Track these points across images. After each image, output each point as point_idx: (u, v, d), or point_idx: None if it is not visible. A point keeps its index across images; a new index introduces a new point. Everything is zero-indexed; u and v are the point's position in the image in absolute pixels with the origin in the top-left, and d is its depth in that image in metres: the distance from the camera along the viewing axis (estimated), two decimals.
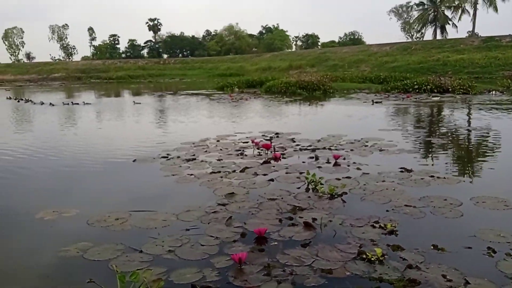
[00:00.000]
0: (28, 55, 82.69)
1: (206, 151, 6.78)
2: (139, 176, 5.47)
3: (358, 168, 5.37)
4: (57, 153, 7.16)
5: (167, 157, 6.36)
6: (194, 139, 7.83)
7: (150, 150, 6.94)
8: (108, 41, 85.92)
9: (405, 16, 67.02)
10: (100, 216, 3.86)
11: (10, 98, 21.20)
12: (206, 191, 4.61)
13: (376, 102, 13.87)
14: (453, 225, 3.49)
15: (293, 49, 77.28)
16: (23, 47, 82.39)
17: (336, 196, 4.24)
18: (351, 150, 6.53)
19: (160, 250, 3.09)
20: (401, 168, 5.29)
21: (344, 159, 5.91)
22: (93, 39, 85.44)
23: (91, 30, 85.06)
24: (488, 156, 6.29)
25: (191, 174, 5.32)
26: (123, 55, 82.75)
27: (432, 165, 5.72)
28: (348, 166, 5.52)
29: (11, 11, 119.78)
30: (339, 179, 4.86)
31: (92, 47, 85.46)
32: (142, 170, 5.77)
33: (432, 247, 3.01)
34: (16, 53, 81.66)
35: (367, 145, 6.85)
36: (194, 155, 6.48)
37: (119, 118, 12.62)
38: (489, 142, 7.32)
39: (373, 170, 5.26)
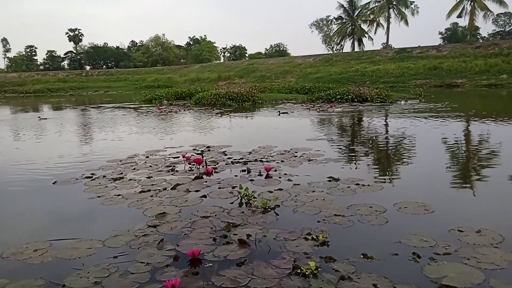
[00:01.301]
0: None
1: (134, 168, 6.51)
2: (60, 200, 5.08)
3: (289, 180, 5.47)
4: None
5: (92, 177, 6.00)
6: (121, 156, 7.49)
7: (73, 170, 6.50)
8: (24, 53, 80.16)
9: (326, 29, 70.64)
10: (16, 248, 3.50)
11: None
12: (135, 213, 4.40)
13: (283, 113, 14.41)
14: (379, 232, 3.66)
15: (221, 60, 77.81)
16: None
17: (269, 209, 4.27)
18: (282, 161, 6.64)
19: (85, 282, 2.86)
20: (329, 177, 5.47)
21: (276, 170, 5.99)
22: (7, 50, 79.35)
23: (5, 41, 78.92)
24: (407, 161, 6.74)
25: (119, 195, 5.05)
26: (41, 67, 77.62)
27: (356, 171, 5.99)
28: (280, 177, 5.60)
29: None
30: (271, 192, 4.90)
31: (6, 59, 79.22)
32: (64, 193, 5.36)
33: (362, 256, 3.12)
34: None
35: (296, 156, 7.01)
36: (121, 173, 6.18)
37: (36, 136, 11.70)
38: (406, 147, 7.86)
39: (303, 180, 5.38)
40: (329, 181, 5.33)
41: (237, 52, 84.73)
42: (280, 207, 4.36)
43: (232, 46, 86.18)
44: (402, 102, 16.91)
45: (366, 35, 54.73)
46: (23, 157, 8.01)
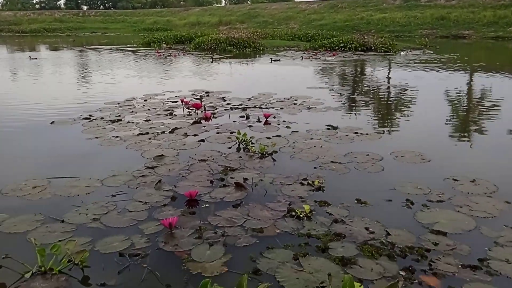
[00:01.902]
0: None
1: (132, 111, 6.47)
2: (58, 140, 5.09)
3: (287, 127, 5.45)
4: None
5: (90, 118, 5.98)
6: (119, 98, 7.43)
7: (70, 111, 6.47)
8: None
9: None
10: (15, 184, 3.55)
11: None
12: (134, 154, 4.42)
13: (275, 60, 14.14)
14: (375, 179, 3.70)
15: (223, 4, 75.19)
16: None
17: (266, 155, 4.29)
18: (281, 108, 6.60)
19: (84, 218, 2.92)
20: (327, 125, 5.46)
21: (274, 117, 5.96)
22: None
23: None
24: (407, 111, 6.70)
25: (117, 136, 5.06)
26: (37, 6, 75.09)
27: (355, 120, 5.97)
28: (278, 124, 5.58)
29: None
30: (269, 138, 4.91)
31: None
32: (62, 133, 5.37)
33: (356, 201, 3.17)
34: None
35: (296, 103, 6.95)
36: (119, 115, 6.16)
37: (33, 77, 11.53)
38: (408, 98, 7.79)
39: (302, 128, 5.38)
40: (328, 129, 5.32)
41: None
42: (278, 153, 4.38)
43: None
44: (402, 53, 16.47)
45: None
46: (20, 98, 7.95)
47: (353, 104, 7.21)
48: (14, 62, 15.12)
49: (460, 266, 2.32)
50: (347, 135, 5.03)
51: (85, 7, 74.32)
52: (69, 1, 78.03)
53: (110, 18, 53.92)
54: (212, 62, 14.07)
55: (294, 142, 4.74)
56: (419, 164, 4.05)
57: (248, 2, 74.13)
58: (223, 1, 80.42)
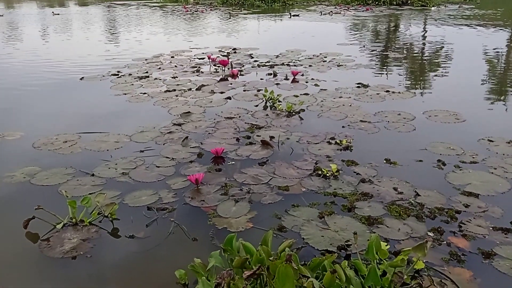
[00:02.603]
0: None
1: (159, 68, 6.46)
2: (88, 96, 5.15)
3: (316, 85, 5.32)
4: (2, 71, 6.60)
5: (118, 74, 6.01)
6: (146, 55, 7.41)
7: (99, 67, 6.51)
8: None
9: None
10: (47, 139, 3.65)
11: None
12: (161, 111, 4.44)
13: (294, 15, 13.70)
14: (405, 139, 3.59)
15: None
16: None
17: (294, 113, 4.21)
18: (310, 65, 6.42)
19: (113, 173, 2.98)
20: (357, 83, 5.29)
21: (303, 75, 5.82)
22: None
23: None
24: (442, 70, 6.39)
25: (144, 93, 5.08)
26: None
27: (387, 78, 5.75)
28: (306, 82, 5.45)
29: None
30: (297, 96, 4.81)
31: None
32: (91, 89, 5.43)
33: (384, 161, 3.09)
34: None
35: (325, 61, 6.75)
36: (147, 72, 6.16)
37: (66, 31, 11.61)
38: (443, 56, 7.42)
39: (331, 86, 5.23)
40: (358, 87, 5.16)
41: None
42: (305, 111, 4.30)
43: None
44: (439, 8, 15.50)
45: None
46: (49, 55, 8.04)
47: (385, 62, 6.93)
48: (40, 18, 15.22)
49: (491, 228, 2.25)
50: (378, 94, 4.87)
51: None
52: None
53: None
54: (230, 18, 13.70)
55: (322, 101, 4.63)
56: (452, 124, 3.89)
57: None
58: None
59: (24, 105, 4.87)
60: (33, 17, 15.89)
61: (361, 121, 3.98)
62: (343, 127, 3.85)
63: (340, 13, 14.39)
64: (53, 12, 16.30)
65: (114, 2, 23.18)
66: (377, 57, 7.22)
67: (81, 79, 5.78)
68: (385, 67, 6.57)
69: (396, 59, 7.05)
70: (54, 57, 7.68)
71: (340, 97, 4.76)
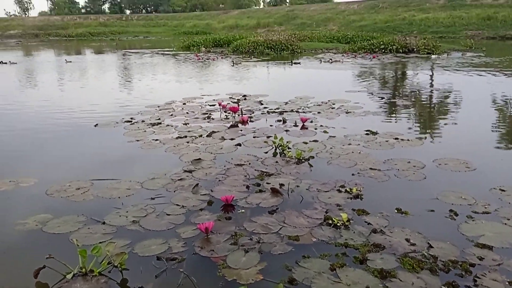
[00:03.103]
0: None
1: (171, 114, 6.61)
2: (101, 142, 5.27)
3: (325, 131, 5.38)
4: (13, 116, 6.81)
5: (131, 121, 6.16)
6: (159, 101, 7.60)
7: (113, 114, 6.68)
8: None
9: None
10: (60, 185, 3.70)
11: None
12: (172, 157, 4.50)
13: (295, 63, 14.12)
14: (416, 188, 3.57)
15: (261, 6, 75.57)
16: None
17: (303, 160, 4.24)
18: (318, 112, 6.52)
19: (124, 221, 3.00)
20: (366, 130, 5.34)
21: (312, 122, 5.90)
22: None
23: None
24: (451, 117, 6.44)
25: (156, 139, 5.17)
26: (83, 11, 78.49)
27: (396, 125, 5.80)
28: (315, 129, 5.52)
29: None
30: (306, 143, 4.86)
31: (49, 1, 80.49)
32: (105, 136, 5.55)
33: (396, 211, 3.07)
34: None
35: (333, 107, 6.86)
36: (159, 119, 6.30)
37: (81, 77, 12.03)
38: (452, 103, 7.50)
39: (340, 133, 5.29)
40: (367, 134, 5.21)
41: None
42: (315, 158, 4.33)
43: None
44: (433, 56, 15.72)
45: None
46: (66, 101, 8.30)
47: (394, 109, 7.02)
48: (55, 66, 15.82)
49: (507, 283, 2.19)
50: (387, 141, 4.90)
51: (128, 12, 76.95)
52: (113, 5, 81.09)
53: (151, 22, 55.49)
54: (233, 65, 14.09)
55: (331, 148, 4.66)
56: (463, 172, 3.88)
57: (287, 4, 74.11)
58: (262, 3, 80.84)
59: (38, 150, 4.98)
60: (49, 64, 16.53)
61: (370, 168, 3.98)
62: (353, 174, 3.86)
63: (339, 60, 14.74)
64: (65, 60, 16.99)
65: (129, 50, 24.10)
66: (385, 104, 7.32)
67: (95, 125, 5.93)
68: (393, 114, 6.65)
69: (405, 106, 7.14)
70: (68, 103, 7.92)
71: (349, 144, 4.80)
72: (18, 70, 14.14)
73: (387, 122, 6.10)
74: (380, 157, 4.30)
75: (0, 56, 19.51)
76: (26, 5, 79.47)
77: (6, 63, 16.03)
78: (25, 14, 77.37)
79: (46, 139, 5.49)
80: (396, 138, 4.99)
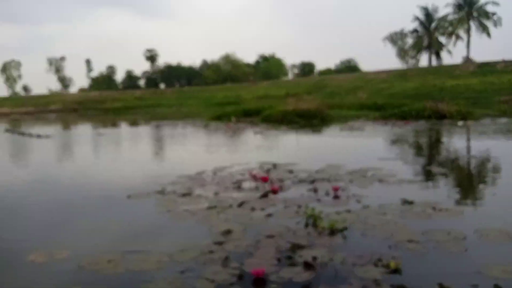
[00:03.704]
0: (25, 88, 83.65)
1: (202, 184, 6.67)
2: (134, 213, 5.32)
3: (358, 201, 5.25)
4: (47, 188, 7.06)
5: (163, 191, 6.24)
6: (190, 171, 7.72)
7: (145, 184, 6.81)
8: (105, 72, 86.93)
9: (400, 43, 68.35)
10: (92, 258, 3.70)
11: (7, 130, 21.29)
12: (202, 228, 4.47)
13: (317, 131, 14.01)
14: (457, 261, 3.37)
15: (290, 77, 78.39)
16: (20, 80, 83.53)
17: (336, 231, 4.11)
18: (350, 181, 6.42)
19: None
20: (402, 199, 5.17)
21: (344, 191, 5.79)
22: (90, 70, 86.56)
23: (88, 62, 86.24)
24: (490, 184, 6.19)
25: (187, 210, 5.18)
26: (120, 86, 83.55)
27: (433, 194, 5.60)
28: (348, 198, 5.40)
29: (9, 44, 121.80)
30: (339, 213, 4.73)
31: (89, 78, 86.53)
32: (136, 206, 5.62)
33: (438, 286, 2.87)
34: (14, 86, 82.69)
35: (366, 176, 6.74)
36: (190, 189, 6.35)
37: (115, 149, 12.52)
38: (490, 170, 7.24)
39: (374, 202, 5.14)
40: (402, 204, 5.04)
41: (306, 68, 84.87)
42: (348, 229, 4.19)
43: (300, 62, 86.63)
44: (460, 123, 15.18)
45: (444, 48, 52.03)
46: (98, 173, 8.58)
47: (430, 177, 6.83)
48: (90, 138, 16.60)
49: None
50: (424, 211, 4.71)
51: (162, 86, 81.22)
52: (148, 80, 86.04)
53: (184, 94, 58.14)
54: (256, 135, 14.32)
55: (365, 218, 4.52)
56: (506, 244, 3.64)
57: (315, 74, 76.61)
58: (290, 75, 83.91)
59: (71, 222, 5.08)
60: (82, 137, 17.37)
61: (408, 240, 3.80)
62: (389, 247, 3.68)
63: (370, 128, 14.74)
64: (98, 132, 17.84)
65: (162, 122, 25.13)
66: (420, 172, 7.15)
67: (128, 197, 6.04)
68: (430, 183, 6.46)
69: (441, 174, 6.93)
70: (100, 175, 8.19)
71: (384, 214, 4.64)
72: (52, 144, 14.90)
73: (424, 190, 5.91)
74: (417, 228, 4.12)
75: (39, 130, 20.75)
76: (67, 83, 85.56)
77: (42, 136, 16.97)
78: (66, 90, 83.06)
79: (79, 210, 5.61)
80: (434, 208, 4.80)
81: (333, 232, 4.10)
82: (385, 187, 6.00)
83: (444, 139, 11.94)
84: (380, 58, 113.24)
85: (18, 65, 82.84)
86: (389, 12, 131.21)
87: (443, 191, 5.85)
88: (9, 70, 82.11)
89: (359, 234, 4.06)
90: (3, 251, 4.11)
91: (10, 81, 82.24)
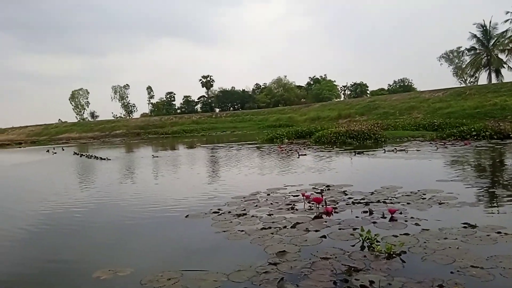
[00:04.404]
0: (92, 114, 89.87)
1: (256, 205, 6.75)
2: (192, 233, 5.50)
3: (416, 224, 5.08)
4: (112, 207, 7.48)
5: (218, 212, 6.40)
6: (244, 192, 7.85)
7: (202, 205, 7.02)
8: (165, 98, 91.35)
9: (457, 61, 65.84)
10: (153, 275, 3.88)
11: (75, 153, 22.86)
12: (257, 249, 4.53)
13: (359, 152, 13.47)
14: None
15: (342, 99, 77.63)
16: (88, 107, 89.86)
17: (394, 255, 4.00)
18: (408, 203, 6.22)
19: None
20: (464, 223, 4.94)
21: (401, 213, 5.63)
22: (151, 97, 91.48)
23: (149, 88, 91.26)
24: None
25: (242, 230, 5.28)
26: (178, 111, 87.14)
27: (498, 218, 5.29)
28: (406, 221, 5.24)
29: (78, 74, 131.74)
30: (396, 236, 4.61)
31: (150, 104, 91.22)
32: (194, 226, 5.81)
33: None
34: (82, 113, 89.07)
35: (424, 198, 6.51)
36: (244, 209, 6.47)
37: (173, 171, 13.00)
38: None
39: (433, 225, 4.95)
40: (464, 227, 4.81)
41: (358, 89, 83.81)
42: (407, 253, 4.06)
43: (352, 83, 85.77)
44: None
45: (504, 65, 49.35)
46: (157, 193, 8.95)
47: (494, 199, 6.46)
48: (152, 161, 17.32)
49: None
50: (488, 235, 4.46)
51: (217, 110, 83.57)
52: (204, 105, 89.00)
53: (238, 118, 59.39)
54: (299, 157, 14.17)
55: (425, 242, 4.36)
56: None
57: (368, 94, 75.32)
58: (342, 96, 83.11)
59: (133, 240, 5.34)
60: (143, 160, 18.13)
61: (472, 266, 3.62)
62: (451, 272, 3.53)
63: (427, 149, 14.16)
64: (152, 155, 18.62)
65: (217, 144, 25.77)
66: (483, 194, 6.78)
67: (186, 216, 6.25)
68: (494, 205, 6.11)
69: (506, 196, 6.54)
70: (159, 195, 8.53)
71: (445, 239, 4.45)
72: (114, 165, 15.73)
73: (487, 214, 5.60)
74: (481, 253, 3.91)
75: (103, 153, 22.03)
76: (130, 108, 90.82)
77: (104, 159, 18.01)
78: (129, 116, 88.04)
79: (139, 229, 5.88)
80: (499, 232, 4.53)
81: (390, 256, 4.00)
82: (445, 210, 5.76)
83: (509, 160, 11.22)
84: (434, 78, 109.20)
85: (86, 93, 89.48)
86: (443, 31, 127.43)
87: (509, 214, 5.50)
88: (78, 98, 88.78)
89: (418, 259, 3.92)
90: (70, 269, 4.41)
91: (79, 108, 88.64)
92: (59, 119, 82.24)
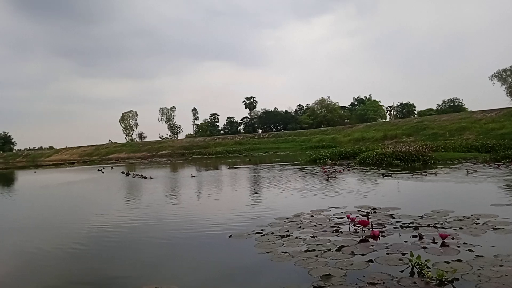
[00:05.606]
0: (140, 135, 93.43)
1: (300, 227, 6.68)
2: (235, 253, 5.54)
3: (470, 250, 4.83)
4: (158, 225, 7.68)
5: (262, 232, 6.38)
6: (287, 214, 7.80)
7: (245, 225, 7.05)
8: (209, 120, 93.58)
9: (510, 80, 62.85)
10: None
11: (123, 172, 23.78)
12: (301, 271, 4.47)
13: (387, 175, 12.75)
14: None
15: (387, 119, 75.89)
16: (136, 128, 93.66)
17: (446, 282, 3.82)
18: (460, 228, 5.93)
19: None
20: None
21: (453, 238, 5.37)
22: (196, 118, 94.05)
23: (194, 110, 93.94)
24: None
25: (285, 252, 5.23)
26: (222, 132, 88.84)
27: None
28: (458, 247, 4.99)
29: (128, 97, 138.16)
30: (448, 262, 4.40)
31: (195, 125, 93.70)
32: (237, 246, 5.84)
33: None
34: (131, 134, 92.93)
35: (478, 223, 6.18)
36: (288, 231, 6.41)
37: (217, 190, 13.16)
38: None
39: (488, 252, 4.68)
40: None
41: (405, 109, 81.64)
42: (459, 280, 3.87)
43: (399, 103, 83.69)
44: None
45: None
46: (201, 212, 9.09)
47: None
48: (196, 180, 17.62)
49: None
50: None
51: (260, 130, 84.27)
52: (247, 126, 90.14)
53: (280, 138, 59.48)
54: (328, 179, 13.81)
55: (479, 269, 4.13)
56: None
57: (415, 115, 73.22)
58: (388, 116, 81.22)
59: (177, 257, 5.48)
60: (184, 179, 18.51)
61: None
62: None
63: (480, 171, 13.44)
64: (191, 175, 18.96)
65: (260, 165, 25.87)
66: None
67: (229, 236, 6.29)
68: None
69: None
70: (203, 215, 8.66)
71: (501, 266, 4.19)
72: (158, 184, 16.17)
73: None
74: None
75: (149, 172, 22.72)
76: (176, 129, 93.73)
77: (146, 177, 18.61)
78: (175, 136, 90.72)
79: (184, 247, 5.99)
80: None
81: (442, 283, 3.82)
82: (500, 235, 5.43)
83: None
84: (486, 97, 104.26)
85: (135, 115, 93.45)
86: (493, 49, 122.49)
87: None
88: (127, 120, 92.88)
89: (472, 286, 3.71)
90: (119, 283, 4.55)
91: (128, 129, 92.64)
92: (109, 140, 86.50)
